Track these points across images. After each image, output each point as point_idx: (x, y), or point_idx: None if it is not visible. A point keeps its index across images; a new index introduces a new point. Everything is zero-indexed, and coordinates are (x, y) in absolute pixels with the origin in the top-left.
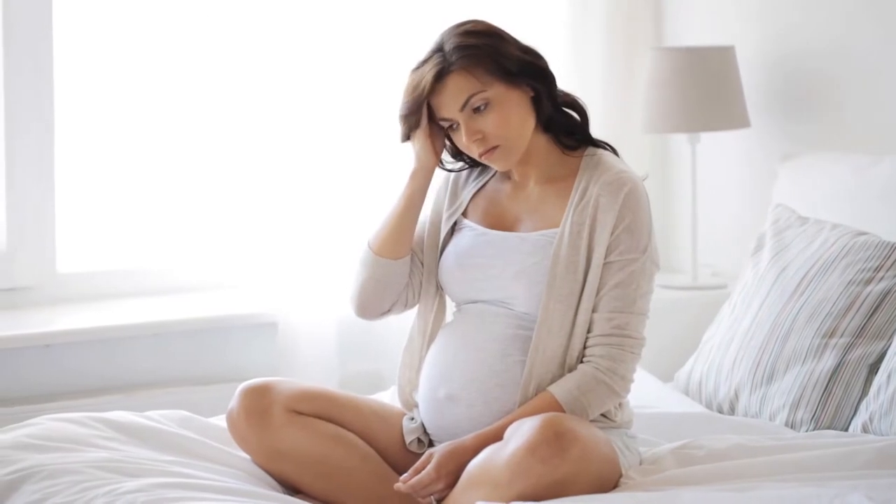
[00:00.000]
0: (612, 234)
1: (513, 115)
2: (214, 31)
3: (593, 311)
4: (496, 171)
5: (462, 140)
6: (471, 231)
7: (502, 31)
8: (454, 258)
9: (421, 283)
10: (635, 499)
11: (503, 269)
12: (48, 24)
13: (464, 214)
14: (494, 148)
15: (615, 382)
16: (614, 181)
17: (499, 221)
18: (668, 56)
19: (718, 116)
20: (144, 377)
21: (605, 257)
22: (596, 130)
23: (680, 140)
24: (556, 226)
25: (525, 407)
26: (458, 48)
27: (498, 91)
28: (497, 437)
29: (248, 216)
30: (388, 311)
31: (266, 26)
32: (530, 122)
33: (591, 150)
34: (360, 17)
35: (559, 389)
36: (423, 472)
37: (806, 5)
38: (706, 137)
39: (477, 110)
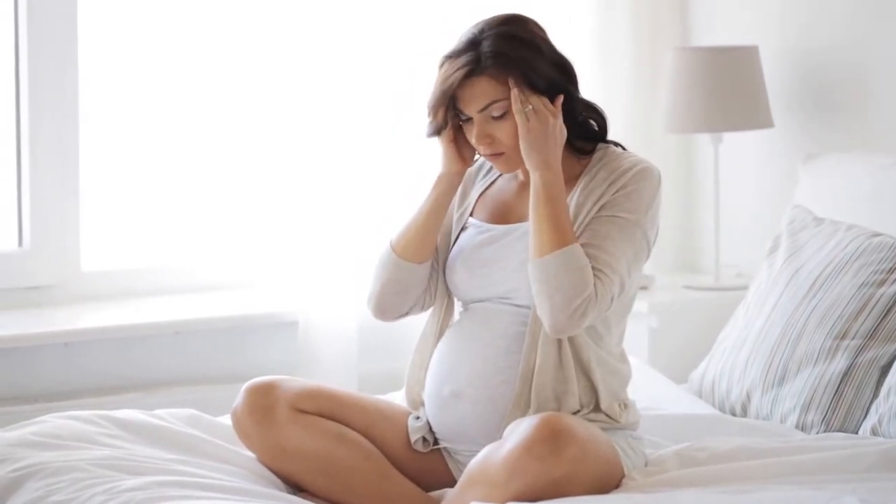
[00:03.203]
0: (610, 196)
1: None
2: (238, 31)
3: None
4: None
5: (472, 136)
6: (475, 229)
7: (540, 39)
8: (459, 257)
9: (437, 285)
10: (632, 500)
11: (506, 262)
12: (73, 21)
13: (471, 214)
14: (500, 154)
15: (598, 293)
16: (625, 163)
17: (504, 218)
18: (691, 56)
19: (742, 116)
20: (164, 376)
21: (597, 213)
22: (620, 130)
23: (703, 140)
24: None
25: (567, 215)
26: (494, 54)
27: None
28: (558, 176)
29: (270, 215)
30: (407, 313)
31: (287, 25)
32: None
33: (601, 145)
34: (378, 11)
35: (578, 248)
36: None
37: (830, 5)
38: (729, 137)
39: (494, 116)
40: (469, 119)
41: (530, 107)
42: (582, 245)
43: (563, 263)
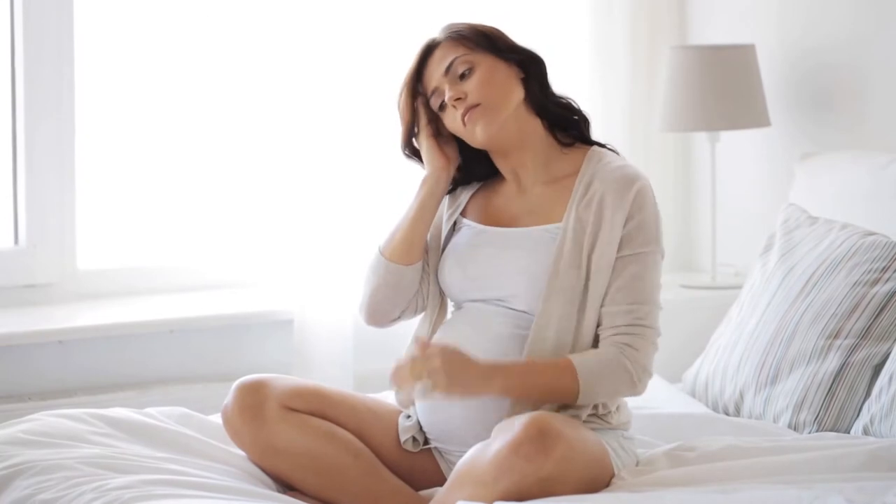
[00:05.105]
0: (622, 230)
1: (497, 80)
2: (236, 29)
3: (607, 304)
4: (495, 172)
5: (448, 116)
6: (469, 230)
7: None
8: (453, 258)
9: (429, 287)
10: (619, 499)
11: (504, 267)
12: (69, 19)
13: (463, 214)
14: (475, 107)
15: (636, 371)
16: (620, 179)
17: (497, 219)
18: (688, 54)
19: (739, 115)
20: (160, 374)
21: (618, 252)
22: (617, 128)
23: (700, 139)
24: (558, 221)
25: (539, 360)
26: (448, 30)
27: (484, 58)
28: (499, 373)
29: (266, 214)
30: (399, 318)
31: (286, 25)
32: (516, 92)
33: (594, 148)
34: (377, 13)
35: (578, 357)
36: (427, 351)
37: (827, 5)
38: (726, 136)
39: (462, 77)
40: (442, 108)
41: (426, 378)
42: (627, 304)
43: (589, 392)
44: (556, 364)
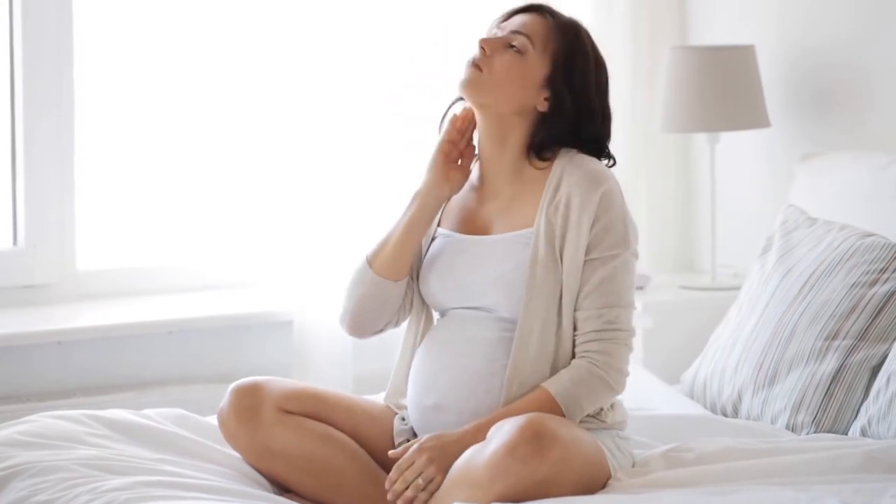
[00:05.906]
0: (589, 233)
1: (519, 76)
2: (237, 29)
3: (579, 309)
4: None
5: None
6: (445, 238)
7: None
8: (431, 267)
9: (413, 298)
10: (615, 501)
11: (481, 276)
12: (68, 19)
13: (438, 224)
14: (480, 70)
15: (611, 377)
16: (587, 181)
17: (472, 227)
18: (687, 55)
19: (738, 116)
20: (158, 375)
21: (587, 255)
22: (617, 129)
23: (700, 139)
24: (530, 226)
25: (517, 402)
26: (557, 12)
27: (538, 57)
28: (482, 431)
29: (266, 215)
30: (382, 330)
31: (286, 25)
32: (516, 100)
33: (564, 149)
34: (378, 14)
35: (553, 384)
36: (407, 454)
37: (827, 5)
38: (726, 137)
39: (508, 46)
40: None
41: (420, 479)
42: (598, 308)
43: (573, 412)
44: (534, 400)
